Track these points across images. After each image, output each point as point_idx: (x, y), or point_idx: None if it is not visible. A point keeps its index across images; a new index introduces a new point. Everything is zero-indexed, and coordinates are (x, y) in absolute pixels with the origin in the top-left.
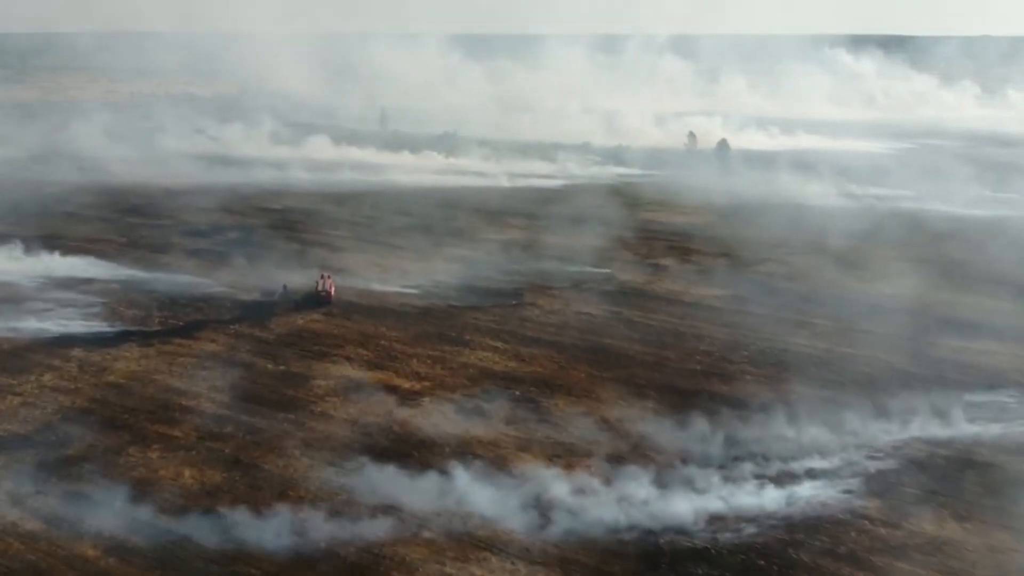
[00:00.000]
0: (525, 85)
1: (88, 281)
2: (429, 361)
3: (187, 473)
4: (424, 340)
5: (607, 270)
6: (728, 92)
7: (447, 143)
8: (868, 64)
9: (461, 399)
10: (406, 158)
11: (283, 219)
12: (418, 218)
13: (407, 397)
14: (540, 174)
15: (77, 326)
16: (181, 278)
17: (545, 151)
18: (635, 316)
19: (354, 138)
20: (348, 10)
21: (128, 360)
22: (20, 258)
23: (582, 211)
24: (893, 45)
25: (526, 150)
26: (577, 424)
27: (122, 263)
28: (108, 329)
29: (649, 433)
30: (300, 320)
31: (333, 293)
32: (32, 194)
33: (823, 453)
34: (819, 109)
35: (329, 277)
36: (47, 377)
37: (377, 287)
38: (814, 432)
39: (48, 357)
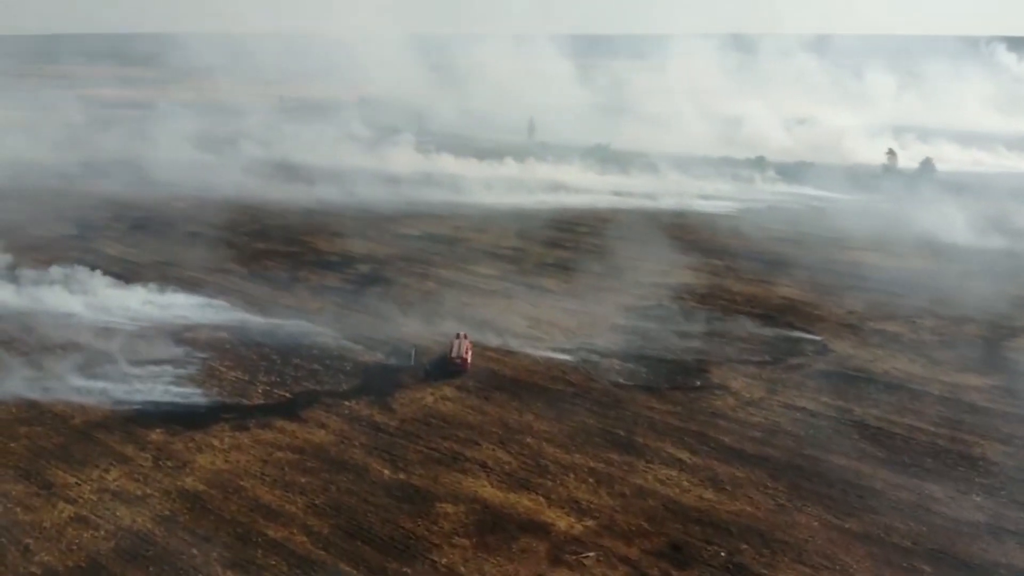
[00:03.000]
0: (661, 89)
1: (193, 327)
2: (591, 480)
3: None
4: (583, 441)
5: (817, 336)
6: (879, 97)
7: (600, 156)
8: None
9: (640, 558)
10: (556, 173)
11: (420, 249)
12: (572, 251)
13: (564, 548)
14: (710, 194)
15: (166, 393)
16: (299, 326)
17: (713, 166)
18: (870, 416)
19: (500, 151)
20: (456, 10)
21: (215, 452)
22: (126, 294)
23: (769, 247)
24: None
25: (690, 165)
26: None
27: (237, 304)
28: (201, 400)
29: None
30: (429, 397)
31: (470, 360)
32: (160, 210)
33: None
34: (988, 117)
35: (466, 338)
36: (113, 475)
37: (523, 349)
38: None
39: (122, 442)
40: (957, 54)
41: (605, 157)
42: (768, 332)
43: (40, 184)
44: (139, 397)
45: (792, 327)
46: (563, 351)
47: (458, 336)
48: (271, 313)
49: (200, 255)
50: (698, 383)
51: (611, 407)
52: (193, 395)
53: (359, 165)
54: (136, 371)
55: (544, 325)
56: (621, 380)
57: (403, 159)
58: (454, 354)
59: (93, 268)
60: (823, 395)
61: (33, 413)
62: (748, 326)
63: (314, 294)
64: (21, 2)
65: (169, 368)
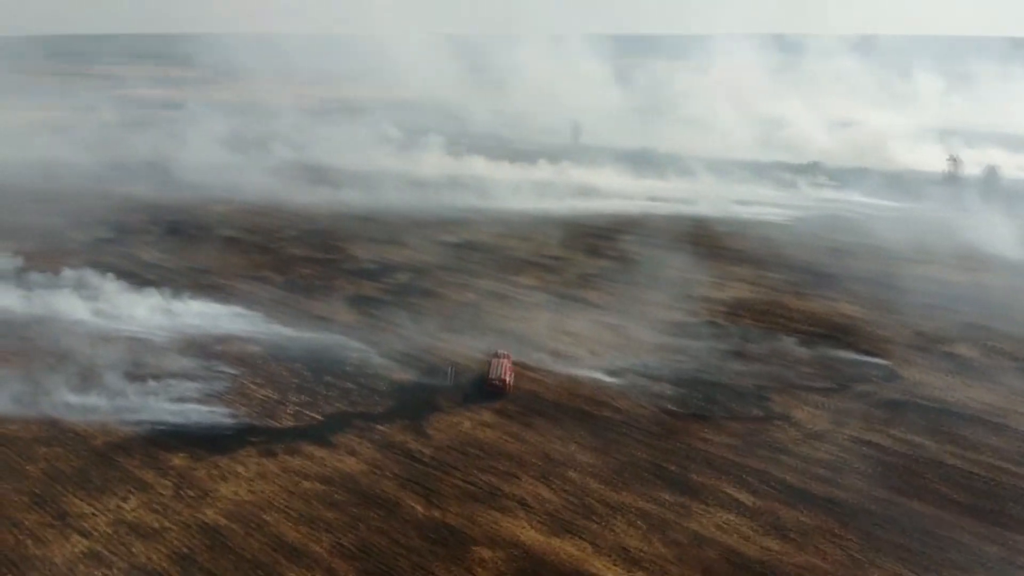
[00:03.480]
0: (703, 91)
1: (225, 339)
2: (642, 525)
3: None
4: (632, 477)
5: (883, 360)
6: (925, 100)
7: (644, 160)
8: None
9: None
10: (600, 178)
11: (459, 257)
12: (616, 261)
13: None
14: (760, 201)
15: (193, 412)
16: (333, 340)
17: (761, 171)
18: (947, 454)
19: (543, 154)
20: (492, 11)
21: (239, 480)
22: (156, 304)
23: (825, 258)
24: None
25: (736, 170)
26: None
27: (271, 314)
28: (228, 420)
29: None
30: (467, 422)
31: (510, 381)
32: (195, 213)
33: None
34: None
35: (507, 357)
36: (131, 504)
37: (566, 369)
38: None
39: (143, 466)
40: (1006, 56)
41: (650, 161)
42: (830, 354)
43: (79, 185)
44: (165, 416)
45: (856, 349)
46: (609, 372)
47: (497, 355)
48: (305, 325)
49: (235, 261)
50: (757, 413)
51: (662, 438)
52: (221, 416)
53: (398, 168)
54: (163, 387)
55: (588, 342)
56: (672, 407)
57: (442, 163)
58: (493, 376)
59: (127, 275)
60: (893, 428)
61: (54, 432)
62: (808, 347)
63: (350, 304)
64: (62, 3)
65: (197, 384)
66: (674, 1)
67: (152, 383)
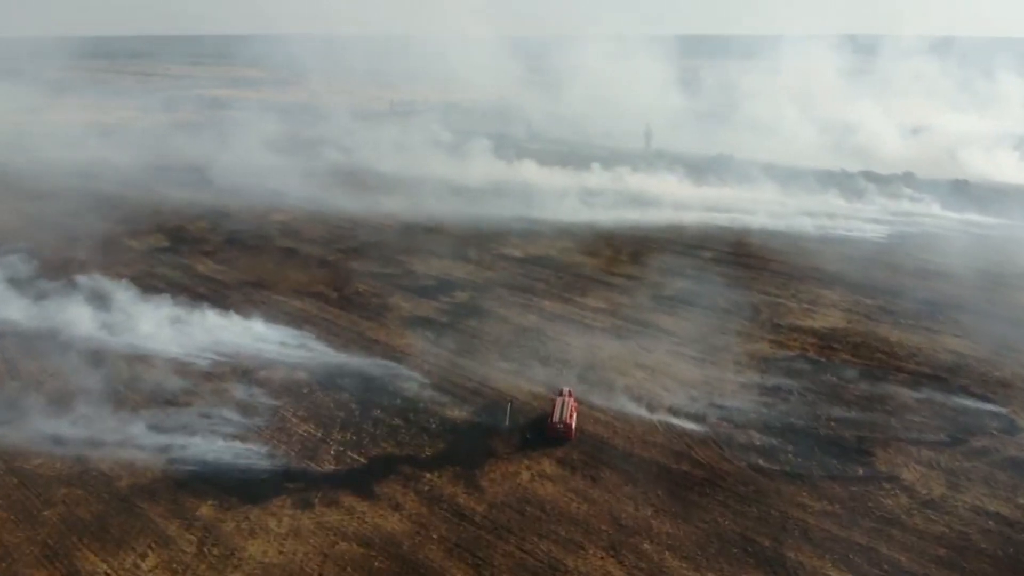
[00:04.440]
0: (776, 94)
1: (271, 364)
2: None
3: None
4: (717, 552)
5: (1001, 408)
6: (1008, 105)
7: (719, 168)
8: None
9: None
10: (676, 186)
11: (523, 274)
12: (695, 281)
13: None
14: (848, 215)
15: (226, 451)
16: (384, 367)
17: (848, 182)
18: None
19: (615, 159)
20: (552, 12)
21: (269, 537)
22: (206, 322)
23: (927, 283)
24: None
25: (821, 179)
26: None
27: (322, 336)
28: (264, 463)
29: None
30: (525, 472)
31: (575, 425)
32: (257, 222)
33: None
34: None
35: (571, 395)
36: (149, 563)
37: (638, 411)
38: None
39: (167, 515)
40: None
41: (725, 169)
42: (940, 399)
43: (143, 188)
44: (197, 454)
45: (968, 393)
46: (687, 416)
47: (561, 393)
48: (356, 349)
49: (291, 275)
50: (861, 471)
51: (751, 502)
52: (257, 457)
53: (464, 175)
54: (200, 420)
55: (663, 378)
56: (762, 462)
57: (509, 170)
58: (557, 418)
59: (178, 288)
60: (1021, 495)
61: (78, 469)
62: (913, 389)
63: (405, 326)
64: (129, 4)
65: (236, 416)
66: (743, 1)
67: (188, 414)
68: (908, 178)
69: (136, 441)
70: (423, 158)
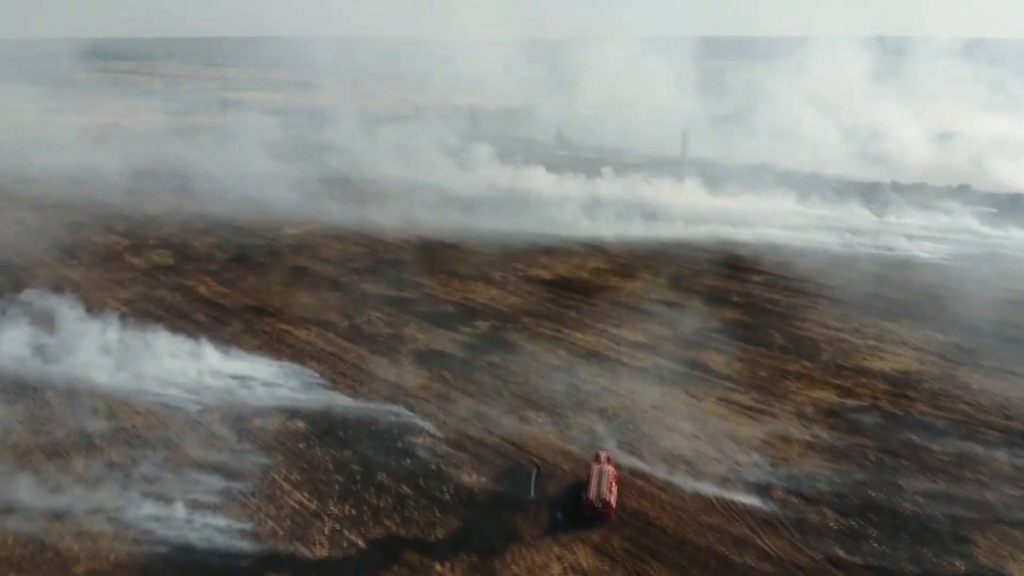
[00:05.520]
0: (810, 100)
1: (266, 411)
2: None
3: None
4: None
5: None
6: None
7: (760, 178)
8: None
9: None
10: (714, 198)
11: (551, 299)
12: (742, 310)
13: None
14: (910, 233)
15: (205, 527)
16: (394, 416)
17: (891, 194)
18: None
19: (650, 167)
20: (577, 13)
21: None
22: (198, 360)
23: (1001, 314)
24: None
25: (863, 192)
26: None
27: (327, 374)
28: (246, 545)
29: None
30: (556, 565)
31: (615, 501)
32: (268, 236)
33: None
34: None
35: (609, 462)
36: None
37: (689, 481)
38: None
39: None
40: None
41: (768, 179)
42: None
43: (154, 200)
44: (168, 533)
45: None
46: (748, 487)
47: (598, 459)
48: (363, 391)
49: (299, 299)
50: (960, 565)
51: None
52: (238, 534)
53: (492, 184)
54: (176, 485)
55: (716, 436)
56: (841, 552)
57: (539, 179)
58: (594, 494)
59: (175, 314)
60: None
61: (32, 550)
62: (1009, 452)
63: (419, 362)
64: (156, 6)
65: (219, 480)
66: (768, 2)
67: (164, 478)
68: (964, 191)
69: (103, 510)
70: (449, 166)
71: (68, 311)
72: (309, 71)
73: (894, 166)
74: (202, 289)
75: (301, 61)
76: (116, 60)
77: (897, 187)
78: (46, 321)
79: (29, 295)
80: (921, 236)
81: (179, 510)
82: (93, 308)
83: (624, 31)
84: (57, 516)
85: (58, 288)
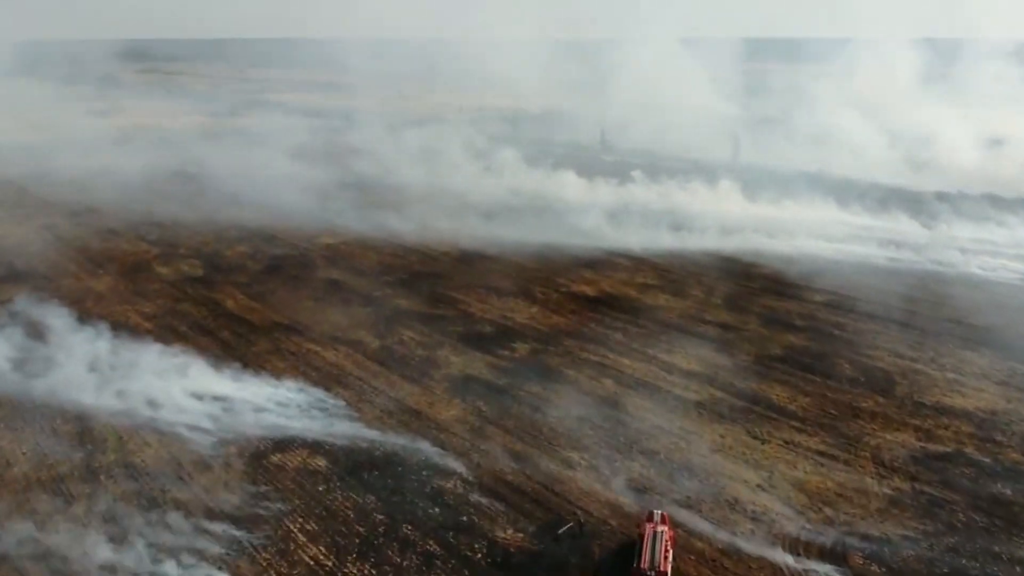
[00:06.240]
0: (863, 103)
1: (286, 443)
2: None
3: None
4: None
5: None
6: None
7: (817, 185)
8: None
9: None
10: (771, 208)
11: (595, 319)
12: (807, 335)
13: None
14: (982, 248)
15: None
16: (423, 455)
17: (963, 204)
18: None
19: (700, 173)
20: (616, 14)
21: None
22: (216, 384)
23: None
24: None
25: (925, 202)
26: None
27: (353, 402)
28: None
29: None
30: None
31: (669, 569)
32: (304, 247)
33: None
34: None
35: (664, 521)
36: None
37: (754, 544)
38: None
39: None
40: None
41: (827, 186)
42: None
43: (191, 208)
44: None
45: None
46: (822, 554)
47: (651, 519)
48: (391, 423)
49: (330, 316)
50: None
51: None
52: None
53: (538, 192)
54: (179, 538)
55: (784, 488)
56: None
57: (582, 186)
58: (647, 563)
59: (198, 330)
60: None
61: None
62: None
63: (452, 390)
64: (193, 8)
65: (228, 529)
66: (815, 4)
67: (166, 529)
68: (1021, 203)
69: (100, 564)
70: (492, 172)
71: (80, 327)
72: (353, 74)
73: (941, 173)
74: (229, 303)
75: (340, 64)
76: (162, 61)
77: (943, 196)
78: (54, 341)
79: (44, 312)
80: (976, 250)
81: (171, 569)
82: (115, 324)
83: (663, 33)
84: (35, 562)
85: (80, 301)
